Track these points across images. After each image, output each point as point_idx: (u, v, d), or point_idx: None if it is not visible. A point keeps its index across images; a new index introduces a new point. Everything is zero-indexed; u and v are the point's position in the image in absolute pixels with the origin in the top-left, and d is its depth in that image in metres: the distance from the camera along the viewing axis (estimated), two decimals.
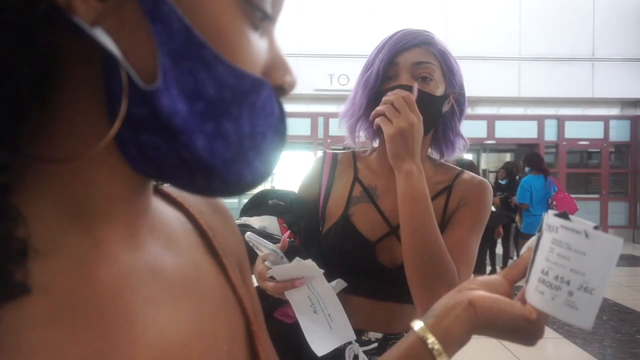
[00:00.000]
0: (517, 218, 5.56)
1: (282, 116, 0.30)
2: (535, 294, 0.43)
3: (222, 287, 0.37)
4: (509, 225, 6.04)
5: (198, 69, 0.24)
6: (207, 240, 0.38)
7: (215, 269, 0.37)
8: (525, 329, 0.44)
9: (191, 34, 0.24)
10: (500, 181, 6.12)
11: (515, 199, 5.27)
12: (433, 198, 0.95)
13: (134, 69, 0.23)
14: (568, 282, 0.41)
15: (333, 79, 9.18)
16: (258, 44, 0.28)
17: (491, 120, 9.44)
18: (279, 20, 0.31)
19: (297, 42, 9.18)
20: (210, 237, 0.38)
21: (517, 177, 5.86)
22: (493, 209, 4.59)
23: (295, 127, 9.30)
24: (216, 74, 0.25)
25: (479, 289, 0.47)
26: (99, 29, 0.22)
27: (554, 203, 5.14)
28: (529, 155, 5.52)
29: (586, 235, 0.40)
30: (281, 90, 0.30)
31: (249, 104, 0.27)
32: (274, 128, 0.30)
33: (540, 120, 9.48)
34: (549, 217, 0.44)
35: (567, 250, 0.41)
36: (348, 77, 9.15)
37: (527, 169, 5.33)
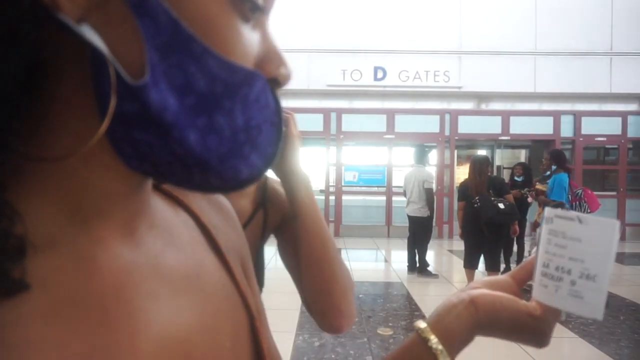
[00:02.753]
0: (538, 212, 5.43)
1: (277, 109, 0.30)
2: (539, 288, 0.42)
3: (225, 283, 0.36)
4: (522, 223, 5.98)
5: (187, 63, 0.24)
6: (209, 237, 0.38)
7: (217, 265, 0.37)
8: (530, 327, 0.42)
9: (179, 28, 0.23)
10: (516, 178, 6.05)
11: (548, 197, 5.08)
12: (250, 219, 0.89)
13: (121, 64, 0.23)
14: (569, 272, 0.40)
15: (346, 74, 9.14)
16: (249, 36, 0.27)
17: (505, 116, 9.32)
18: (272, 11, 0.30)
19: (309, 38, 9.15)
20: (212, 234, 0.38)
21: (548, 174, 5.71)
22: (502, 206, 4.54)
23: (308, 122, 9.29)
24: (206, 67, 0.25)
25: (483, 288, 0.46)
26: (85, 26, 0.22)
27: (585, 199, 5.07)
28: (557, 153, 5.33)
29: (579, 221, 0.40)
30: (276, 82, 0.30)
31: (241, 97, 0.27)
32: (270, 121, 0.29)
33: (556, 116, 9.32)
34: (546, 211, 0.43)
35: (563, 239, 0.41)
36: (361, 72, 9.11)
37: (553, 167, 5.17)
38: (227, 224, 0.42)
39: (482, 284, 0.46)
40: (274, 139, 0.30)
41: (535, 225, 5.32)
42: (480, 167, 4.72)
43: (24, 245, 0.22)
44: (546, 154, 5.58)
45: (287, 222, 0.88)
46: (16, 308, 0.22)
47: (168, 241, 0.33)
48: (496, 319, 0.43)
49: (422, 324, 0.44)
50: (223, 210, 0.43)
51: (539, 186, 5.59)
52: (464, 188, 4.89)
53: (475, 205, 4.54)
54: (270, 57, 0.29)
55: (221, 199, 0.44)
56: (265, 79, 0.28)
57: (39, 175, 0.25)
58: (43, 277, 0.24)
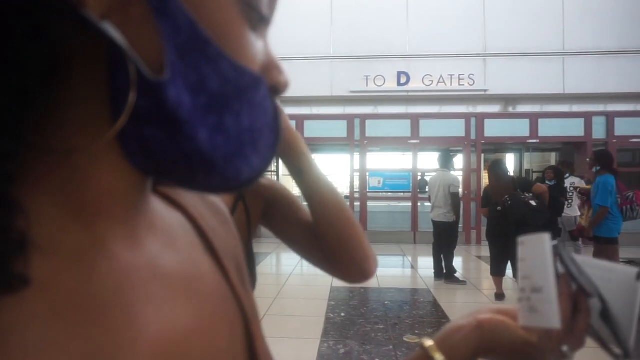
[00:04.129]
0: (583, 218, 5.21)
1: (276, 115, 0.32)
2: (518, 312, 0.46)
3: (221, 287, 0.37)
4: (556, 229, 5.80)
5: (202, 64, 0.25)
6: (206, 240, 0.39)
7: (214, 269, 0.37)
8: (528, 354, 0.44)
9: (196, 30, 0.25)
10: (547, 182, 5.88)
11: (593, 202, 4.78)
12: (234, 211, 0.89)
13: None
14: (524, 290, 0.44)
15: (369, 80, 9.13)
16: (256, 44, 0.29)
17: (534, 118, 9.10)
18: (274, 22, 0.32)
19: (332, 45, 9.19)
20: (209, 237, 0.39)
21: (586, 178, 5.42)
22: (534, 203, 4.37)
23: (332, 129, 9.31)
24: (219, 69, 0.26)
25: (490, 314, 0.48)
26: (107, 23, 0.23)
27: (637, 202, 4.80)
28: (601, 153, 5.00)
29: (522, 243, 0.45)
30: (275, 90, 0.31)
31: (248, 100, 0.28)
32: (270, 126, 0.31)
33: (587, 117, 9.04)
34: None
35: (520, 263, 0.46)
36: (384, 77, 9.08)
37: (596, 168, 4.83)
38: (223, 227, 0.43)
39: (490, 310, 0.49)
40: (273, 143, 0.32)
41: (580, 229, 5.07)
42: (496, 171, 4.64)
43: (25, 240, 0.22)
44: (592, 154, 5.28)
45: (273, 204, 0.89)
46: (16, 309, 0.22)
47: (166, 243, 0.34)
48: (498, 341, 0.45)
49: (428, 342, 0.46)
50: (219, 214, 0.43)
51: (583, 185, 5.37)
52: (485, 193, 4.83)
53: (507, 204, 4.45)
54: (271, 65, 0.31)
55: (217, 202, 0.45)
56: (267, 85, 0.30)
57: (42, 173, 0.25)
58: (43, 278, 0.24)
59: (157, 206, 0.35)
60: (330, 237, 0.77)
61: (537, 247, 0.43)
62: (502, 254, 4.61)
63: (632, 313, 0.42)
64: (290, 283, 5.43)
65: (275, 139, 0.32)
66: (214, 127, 0.26)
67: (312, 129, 9.21)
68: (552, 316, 0.41)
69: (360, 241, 0.77)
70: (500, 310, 0.48)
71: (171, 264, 0.33)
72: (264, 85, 0.29)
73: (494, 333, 0.45)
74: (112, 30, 0.22)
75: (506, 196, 4.49)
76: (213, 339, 0.33)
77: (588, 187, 5.19)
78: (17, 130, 0.22)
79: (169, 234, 0.35)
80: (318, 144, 9.63)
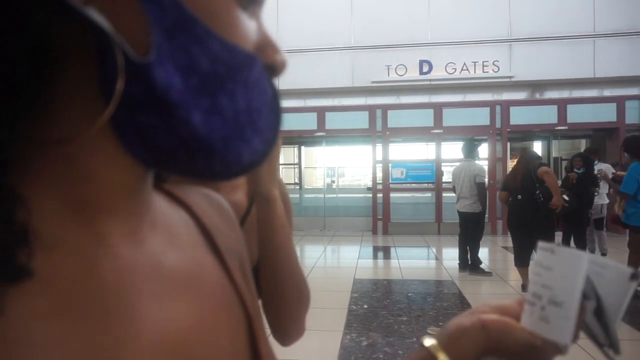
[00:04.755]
0: (617, 206, 5.07)
1: (275, 95, 0.31)
2: (523, 314, 0.45)
3: (224, 284, 0.37)
4: (584, 218, 5.63)
5: (191, 44, 0.25)
6: (209, 238, 0.38)
7: (216, 266, 0.37)
8: (528, 354, 0.44)
9: (182, 10, 0.24)
10: (576, 170, 5.70)
11: (619, 188, 4.74)
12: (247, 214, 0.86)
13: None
14: (540, 297, 0.43)
15: (390, 70, 9.01)
16: (247, 23, 0.29)
17: (562, 104, 8.81)
18: (265, 2, 0.32)
19: (352, 35, 9.10)
20: (212, 235, 0.38)
21: (618, 164, 5.29)
22: (566, 197, 4.34)
23: (353, 120, 9.25)
24: (209, 49, 0.25)
25: (492, 312, 0.47)
26: (92, 8, 0.22)
27: None
28: (628, 140, 4.89)
29: (552, 251, 0.44)
30: (272, 69, 0.31)
31: (242, 80, 0.28)
32: (269, 106, 0.30)
33: (619, 101, 8.70)
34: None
35: (540, 268, 0.44)
36: (405, 67, 8.95)
37: (627, 155, 4.75)
38: (227, 225, 0.42)
39: (491, 308, 0.47)
40: (274, 124, 0.31)
41: (614, 217, 4.93)
42: (524, 158, 4.67)
43: (28, 232, 0.22)
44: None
45: None
46: (18, 303, 0.22)
47: (168, 240, 0.33)
48: (502, 344, 0.45)
49: (430, 341, 0.45)
50: (223, 212, 0.43)
51: (619, 172, 5.25)
52: (508, 180, 4.87)
53: (538, 197, 4.43)
54: (266, 44, 0.30)
55: (221, 200, 0.44)
56: (263, 64, 0.29)
57: (43, 167, 0.25)
58: (46, 274, 0.24)
59: (160, 203, 0.35)
60: (265, 306, 0.76)
61: (571, 263, 0.42)
62: (527, 244, 4.53)
63: (619, 310, 0.43)
64: (313, 275, 5.45)
65: (276, 119, 0.31)
66: (208, 109, 0.26)
67: (333, 121, 9.18)
68: (566, 334, 0.41)
69: (289, 325, 0.77)
70: (501, 307, 0.47)
71: (173, 261, 0.33)
72: (259, 64, 0.29)
73: (500, 334, 0.44)
74: (97, 15, 0.22)
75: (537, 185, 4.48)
76: (215, 336, 0.33)
77: (622, 173, 5.04)
78: (8, 122, 0.22)
79: (171, 231, 0.34)
80: (340, 136, 9.60)
